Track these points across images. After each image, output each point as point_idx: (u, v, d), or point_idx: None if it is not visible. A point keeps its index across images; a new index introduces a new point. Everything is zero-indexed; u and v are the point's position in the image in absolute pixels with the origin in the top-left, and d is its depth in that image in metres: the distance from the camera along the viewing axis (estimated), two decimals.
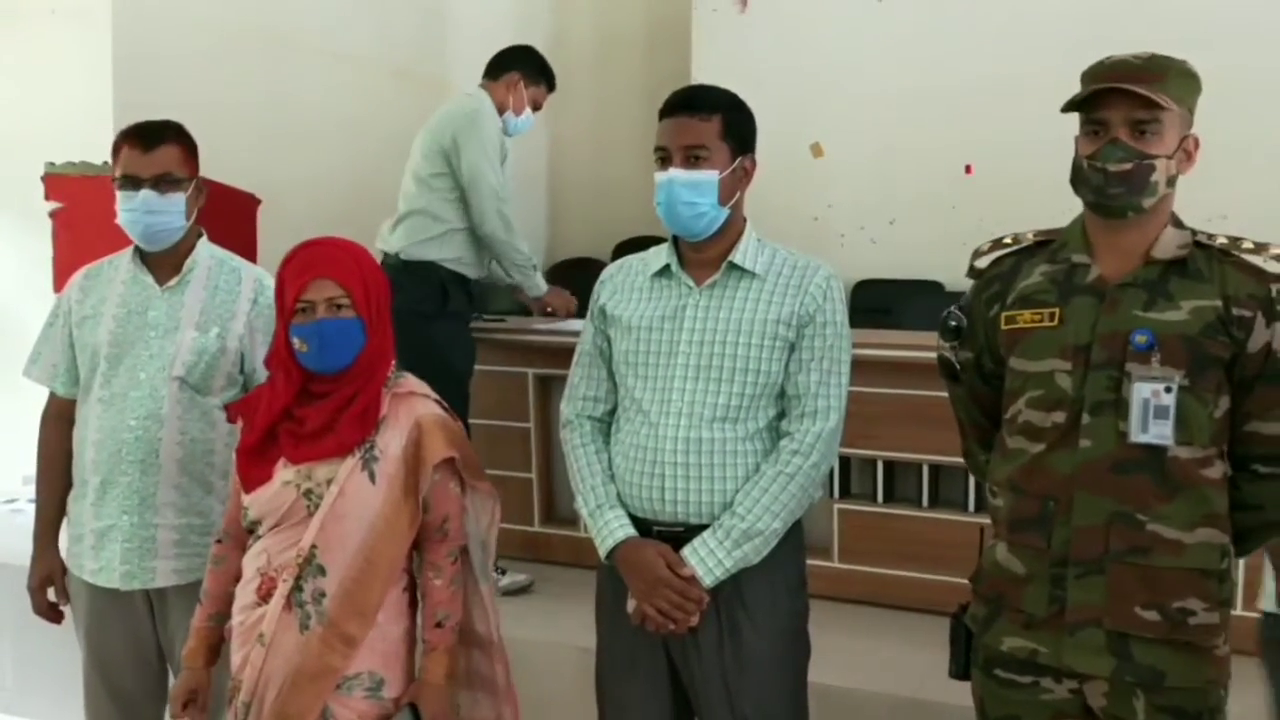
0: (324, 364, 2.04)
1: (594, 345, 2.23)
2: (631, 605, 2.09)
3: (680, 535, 2.08)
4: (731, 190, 2.11)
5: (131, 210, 2.36)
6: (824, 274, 2.13)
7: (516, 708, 2.24)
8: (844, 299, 2.16)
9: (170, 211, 2.38)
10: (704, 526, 2.06)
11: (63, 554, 2.52)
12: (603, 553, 2.13)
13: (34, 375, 2.54)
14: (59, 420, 2.50)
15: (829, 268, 2.15)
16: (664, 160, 2.11)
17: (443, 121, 3.67)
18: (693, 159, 2.07)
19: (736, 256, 2.12)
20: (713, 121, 2.09)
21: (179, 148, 2.40)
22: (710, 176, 2.07)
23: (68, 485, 2.49)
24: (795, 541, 2.15)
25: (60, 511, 2.52)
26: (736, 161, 2.11)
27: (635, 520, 2.11)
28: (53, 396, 2.53)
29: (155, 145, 2.36)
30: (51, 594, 2.52)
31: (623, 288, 2.21)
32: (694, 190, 2.07)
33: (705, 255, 2.14)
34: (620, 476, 2.14)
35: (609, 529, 2.11)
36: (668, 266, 2.17)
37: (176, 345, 2.40)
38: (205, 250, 2.49)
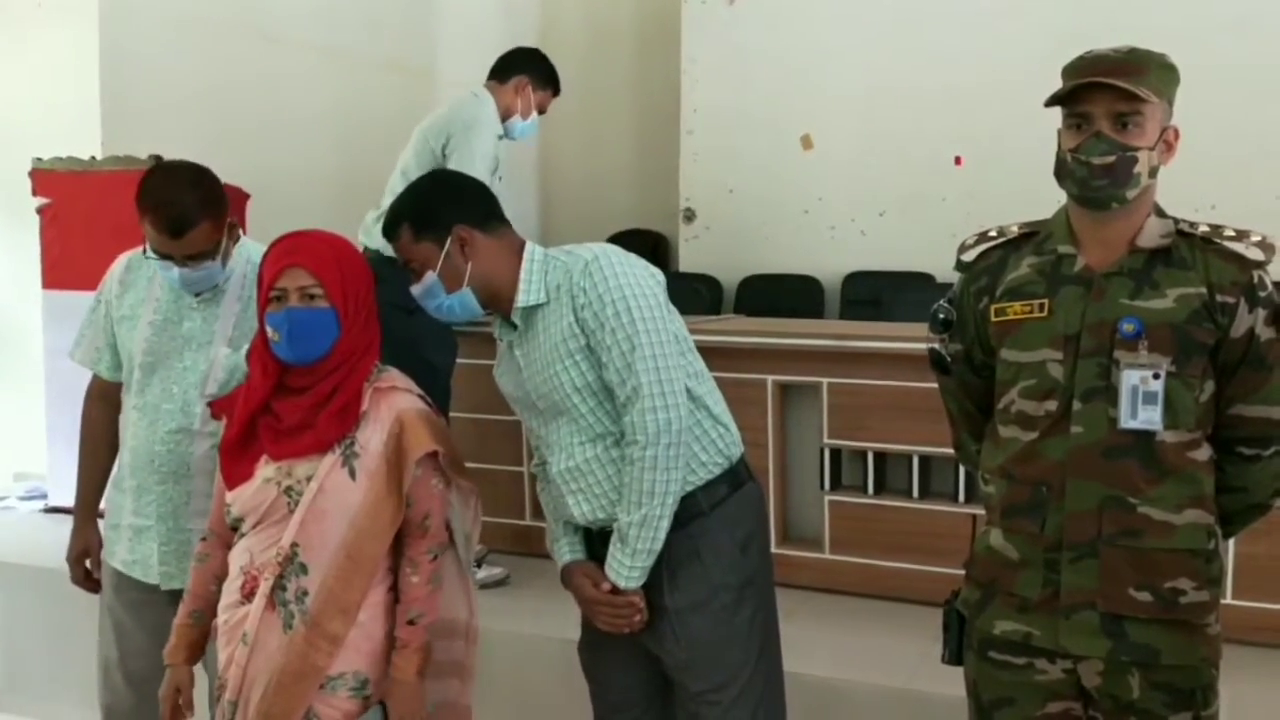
0: (295, 354, 2.03)
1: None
2: None
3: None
4: (456, 271, 2.13)
5: (168, 275, 2.37)
6: (584, 260, 2.09)
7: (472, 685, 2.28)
8: (626, 269, 2.08)
9: (207, 275, 2.37)
10: None
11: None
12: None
13: (77, 358, 2.56)
14: (102, 400, 2.53)
15: (601, 248, 2.13)
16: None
17: (440, 124, 3.64)
18: (413, 274, 2.16)
19: (520, 299, 2.14)
20: (404, 236, 2.14)
21: (208, 222, 2.31)
22: (430, 280, 2.13)
23: (109, 462, 2.53)
24: (724, 520, 2.15)
25: (100, 488, 2.55)
26: (444, 249, 2.12)
27: (588, 531, 2.20)
28: (96, 376, 2.55)
29: (183, 232, 2.29)
30: (88, 565, 2.56)
31: (500, 361, 2.26)
32: (431, 298, 2.14)
33: (504, 312, 2.17)
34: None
35: (558, 558, 2.24)
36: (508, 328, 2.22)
37: (210, 362, 2.40)
38: (242, 256, 2.44)
